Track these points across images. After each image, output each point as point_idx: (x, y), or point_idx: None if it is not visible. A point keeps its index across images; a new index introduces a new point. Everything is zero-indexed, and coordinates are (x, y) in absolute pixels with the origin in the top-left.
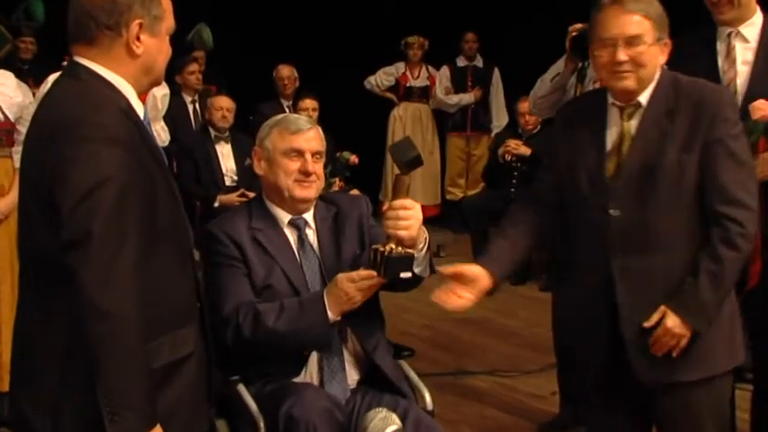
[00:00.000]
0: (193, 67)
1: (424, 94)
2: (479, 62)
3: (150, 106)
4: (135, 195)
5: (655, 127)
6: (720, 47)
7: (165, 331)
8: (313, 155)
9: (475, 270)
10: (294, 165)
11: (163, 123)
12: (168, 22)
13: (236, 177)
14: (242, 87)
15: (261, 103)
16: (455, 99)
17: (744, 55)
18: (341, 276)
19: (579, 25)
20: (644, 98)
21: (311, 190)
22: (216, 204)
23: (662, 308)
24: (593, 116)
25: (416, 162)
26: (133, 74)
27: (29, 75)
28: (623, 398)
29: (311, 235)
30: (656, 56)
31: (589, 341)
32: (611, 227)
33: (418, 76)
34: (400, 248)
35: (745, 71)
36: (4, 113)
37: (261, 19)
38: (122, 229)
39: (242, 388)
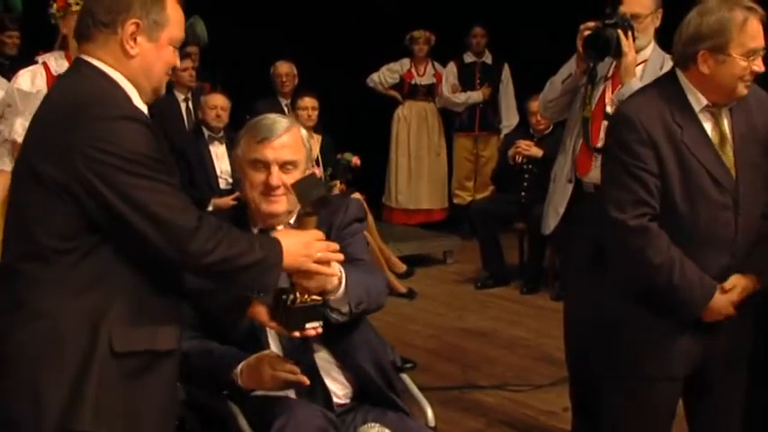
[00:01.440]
0: (186, 63)
1: (430, 92)
2: (488, 58)
3: None
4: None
5: (746, 128)
6: None
7: (147, 320)
8: (282, 165)
9: None
10: (259, 177)
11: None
12: (172, 32)
13: (231, 180)
14: (238, 85)
15: (258, 101)
16: (462, 97)
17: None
18: (266, 359)
19: (592, 23)
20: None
21: (279, 204)
22: (210, 208)
23: None
24: (682, 116)
25: (323, 201)
26: (132, 74)
27: (10, 70)
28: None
29: None
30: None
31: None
32: (739, 225)
33: (424, 73)
34: (306, 297)
35: None
36: None
37: (258, 12)
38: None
39: (232, 405)
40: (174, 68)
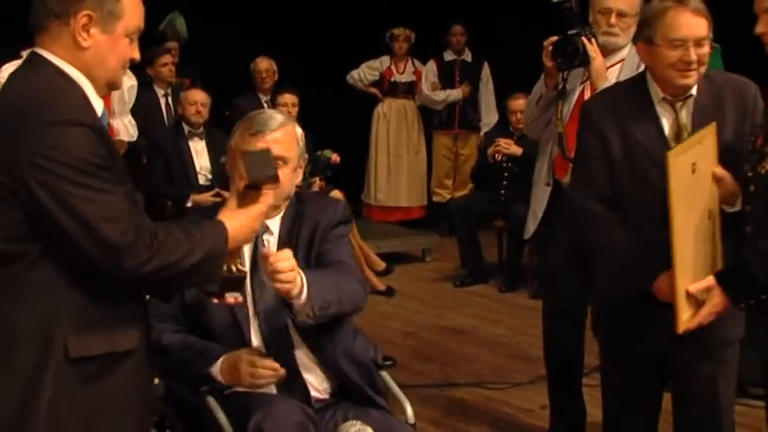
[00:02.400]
0: (166, 58)
1: (410, 89)
2: (468, 56)
3: (117, 99)
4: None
5: (705, 116)
6: None
7: (104, 322)
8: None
9: None
10: None
11: (130, 117)
12: (129, 23)
13: (210, 176)
14: (218, 81)
15: (237, 97)
16: (442, 95)
17: None
18: (244, 356)
19: (554, 38)
20: (693, 91)
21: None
22: (189, 204)
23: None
24: (638, 108)
25: (272, 181)
26: (85, 67)
27: None
28: None
29: (270, 240)
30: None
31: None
32: None
33: (404, 71)
34: (231, 266)
35: None
36: None
37: (238, 8)
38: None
39: (211, 400)
40: (153, 64)
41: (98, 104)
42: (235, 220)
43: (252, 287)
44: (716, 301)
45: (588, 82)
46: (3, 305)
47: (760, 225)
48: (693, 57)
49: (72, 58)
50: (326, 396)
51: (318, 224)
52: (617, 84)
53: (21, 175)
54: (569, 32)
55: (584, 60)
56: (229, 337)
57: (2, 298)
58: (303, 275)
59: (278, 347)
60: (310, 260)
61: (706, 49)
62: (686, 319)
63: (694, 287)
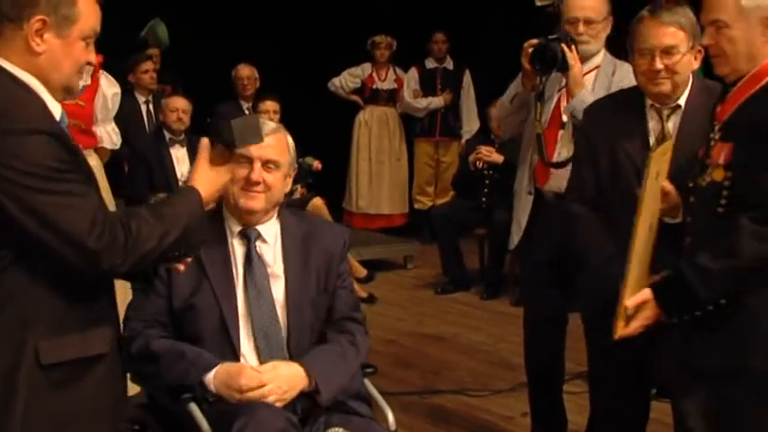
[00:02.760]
0: (147, 65)
1: (392, 97)
2: (450, 64)
3: (100, 106)
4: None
5: (694, 126)
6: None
7: (76, 327)
8: (264, 163)
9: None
10: (242, 172)
11: (113, 125)
12: (84, 27)
13: None
14: (199, 88)
15: (219, 104)
16: (424, 103)
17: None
18: (243, 371)
19: (535, 41)
20: (682, 100)
21: (257, 201)
22: None
23: None
24: (630, 116)
25: (255, 141)
26: (39, 72)
27: None
28: None
29: (264, 249)
30: (689, 62)
31: None
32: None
33: (385, 78)
34: None
35: None
36: None
37: (220, 15)
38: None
39: (193, 406)
40: (135, 71)
41: (56, 109)
42: (204, 178)
43: (245, 290)
44: (648, 314)
45: (565, 89)
46: None
47: (699, 237)
48: (658, 65)
49: (26, 64)
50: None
51: (332, 255)
52: (621, 90)
53: None
54: (550, 37)
55: (563, 67)
56: (218, 342)
57: None
58: (314, 375)
59: (268, 354)
60: (321, 288)
61: (675, 58)
62: (622, 325)
63: (631, 302)
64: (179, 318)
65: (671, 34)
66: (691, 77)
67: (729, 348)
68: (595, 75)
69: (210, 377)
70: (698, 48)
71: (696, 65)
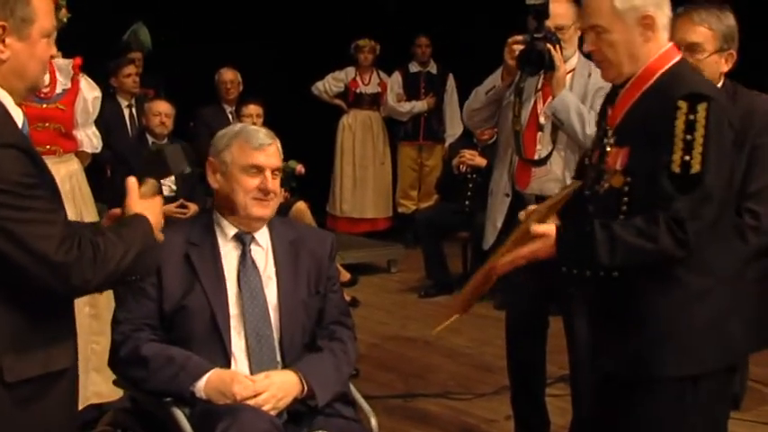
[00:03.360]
0: (130, 69)
1: (375, 100)
2: (433, 68)
3: (80, 110)
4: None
5: None
6: None
7: (39, 342)
8: (273, 171)
9: None
10: (253, 182)
11: (94, 129)
12: (42, 24)
13: (174, 187)
14: (182, 91)
15: (202, 108)
16: (407, 107)
17: None
18: (236, 378)
19: (520, 37)
20: None
21: (269, 209)
22: None
23: None
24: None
25: (185, 168)
26: (3, 78)
27: None
28: None
29: (257, 252)
30: (716, 63)
31: None
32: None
33: (369, 82)
34: None
35: None
36: None
37: (203, 19)
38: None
39: (176, 410)
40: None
41: (17, 115)
42: (148, 209)
43: (239, 291)
44: (537, 246)
45: (542, 91)
46: None
47: None
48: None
49: None
50: (298, 405)
51: (320, 258)
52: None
53: None
54: (535, 36)
55: (550, 67)
56: (208, 342)
57: None
58: (311, 382)
59: (260, 354)
60: (312, 291)
61: (699, 56)
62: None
63: (535, 228)
64: (170, 320)
65: (698, 32)
66: (721, 81)
67: (637, 356)
68: (572, 77)
69: (201, 385)
70: (730, 51)
71: (725, 68)
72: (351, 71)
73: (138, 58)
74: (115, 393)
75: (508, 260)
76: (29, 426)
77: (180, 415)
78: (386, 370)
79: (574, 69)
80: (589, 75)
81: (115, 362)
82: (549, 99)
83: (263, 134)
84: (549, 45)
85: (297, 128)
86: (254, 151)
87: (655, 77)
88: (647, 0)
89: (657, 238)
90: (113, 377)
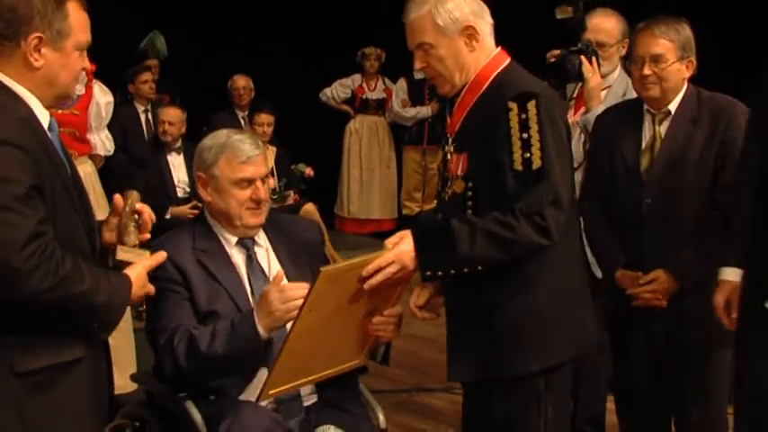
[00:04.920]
0: (146, 75)
1: (381, 106)
2: None
3: (94, 114)
4: (31, 193)
5: (681, 131)
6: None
7: (49, 334)
8: (262, 180)
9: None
10: (245, 193)
11: (107, 132)
12: (77, 38)
13: (188, 189)
14: (196, 97)
15: (215, 113)
16: (412, 112)
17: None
18: (269, 287)
19: (557, 51)
20: (672, 107)
21: (262, 215)
22: (167, 216)
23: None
24: (629, 121)
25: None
26: (35, 85)
27: None
28: None
29: (260, 253)
30: (679, 71)
31: None
32: (644, 212)
33: (375, 89)
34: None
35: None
36: None
37: (217, 27)
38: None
39: (190, 404)
40: (134, 81)
41: (44, 117)
42: (134, 274)
43: (252, 293)
44: (401, 248)
45: (574, 102)
46: None
47: None
48: (646, 71)
49: (21, 78)
50: (309, 400)
51: (314, 245)
52: (628, 99)
53: None
54: (571, 48)
55: (579, 78)
56: None
57: None
58: None
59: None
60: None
61: (662, 65)
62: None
63: (389, 240)
64: (201, 320)
65: (660, 44)
66: (685, 86)
67: (491, 359)
68: (606, 93)
69: (256, 321)
70: (690, 59)
71: (687, 74)
72: (357, 78)
73: (155, 66)
74: (131, 387)
75: (373, 266)
76: (44, 413)
77: (193, 409)
78: (392, 366)
79: (610, 86)
80: (624, 94)
81: (178, 371)
82: (582, 109)
83: (248, 145)
84: (583, 57)
85: (306, 132)
86: (242, 165)
87: (486, 83)
88: (465, 12)
89: (516, 228)
90: (130, 371)
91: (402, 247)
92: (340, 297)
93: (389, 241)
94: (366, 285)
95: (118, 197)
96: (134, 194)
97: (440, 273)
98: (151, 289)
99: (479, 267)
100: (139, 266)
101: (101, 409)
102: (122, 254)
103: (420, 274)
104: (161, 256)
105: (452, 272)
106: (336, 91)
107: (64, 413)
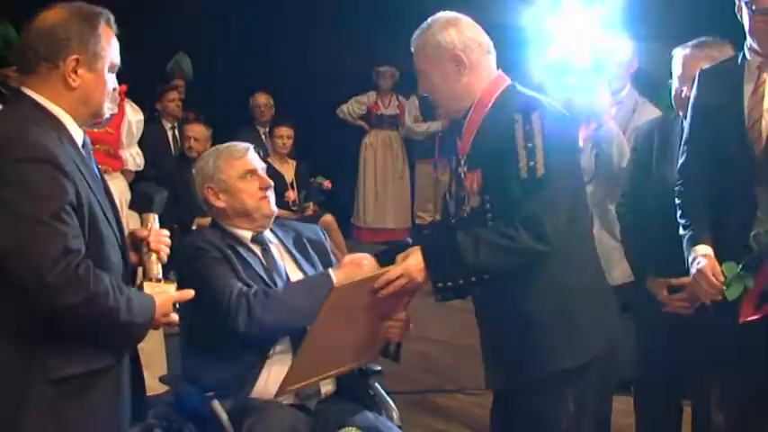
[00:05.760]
0: (173, 94)
1: (394, 122)
2: None
3: (125, 132)
4: (67, 210)
5: None
6: (748, 84)
7: (81, 343)
8: (263, 168)
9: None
10: (253, 185)
11: (137, 148)
12: (110, 59)
13: None
14: (220, 114)
15: (238, 129)
16: (423, 127)
17: None
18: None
19: None
20: None
21: (272, 202)
22: (193, 227)
23: None
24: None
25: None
26: (70, 104)
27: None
28: None
29: (273, 247)
30: None
31: None
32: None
33: (389, 105)
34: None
35: None
36: None
37: (239, 49)
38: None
39: (216, 404)
40: (162, 99)
41: (78, 135)
42: (159, 296)
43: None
44: (410, 261)
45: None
46: None
47: None
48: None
49: (57, 98)
50: (327, 393)
51: (321, 243)
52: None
53: None
54: None
55: None
56: None
57: None
58: None
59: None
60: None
61: None
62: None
63: (401, 256)
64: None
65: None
66: None
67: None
68: (615, 110)
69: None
70: None
71: None
72: (372, 95)
73: (181, 85)
74: (161, 388)
75: (383, 279)
76: (76, 417)
77: (219, 408)
78: (408, 367)
79: (620, 103)
80: (634, 110)
81: (253, 325)
82: (593, 125)
83: (239, 145)
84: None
85: (324, 147)
86: (241, 159)
87: (490, 103)
88: (454, 43)
89: (516, 237)
90: (160, 373)
91: (410, 261)
92: (352, 307)
93: (400, 256)
94: (378, 296)
95: (141, 230)
96: (151, 217)
97: (450, 283)
98: (173, 319)
99: (486, 276)
100: (166, 296)
101: (126, 413)
102: (148, 290)
103: (432, 286)
104: (188, 293)
105: (461, 281)
106: (353, 107)
107: (95, 417)
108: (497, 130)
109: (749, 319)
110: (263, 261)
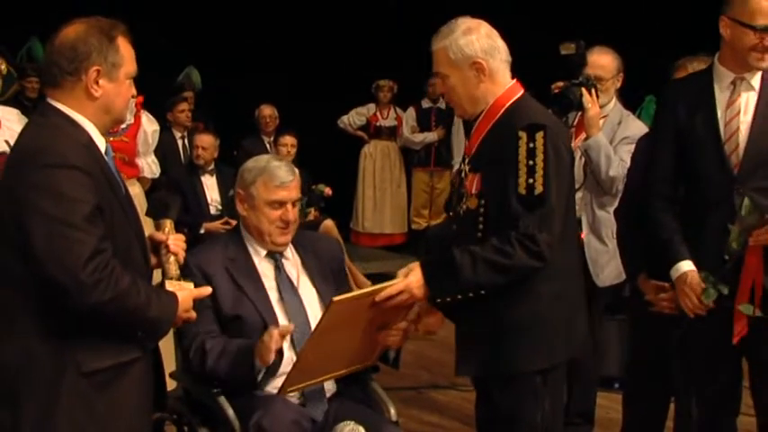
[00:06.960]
0: (183, 105)
1: (393, 132)
2: (442, 104)
3: (142, 141)
4: (95, 213)
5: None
6: (720, 95)
7: (109, 337)
8: (293, 203)
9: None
10: (276, 213)
11: (153, 157)
12: (128, 68)
13: (220, 207)
14: (227, 125)
15: (244, 139)
16: (420, 137)
17: (749, 105)
18: (272, 328)
19: (561, 83)
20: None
21: (289, 236)
22: (201, 231)
23: None
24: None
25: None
26: (94, 113)
27: (33, 112)
28: None
29: (288, 264)
30: None
31: None
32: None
33: (387, 116)
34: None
35: (747, 122)
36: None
37: (245, 62)
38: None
39: (222, 399)
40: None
41: (101, 143)
42: (181, 294)
43: (281, 301)
44: (411, 278)
45: (574, 129)
46: (21, 325)
47: None
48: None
49: (81, 108)
50: (329, 394)
51: (337, 259)
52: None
53: (15, 208)
54: (573, 81)
55: (579, 107)
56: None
57: (21, 312)
58: None
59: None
60: (335, 288)
61: None
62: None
63: (401, 272)
64: (224, 325)
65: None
66: None
67: (496, 356)
68: (603, 122)
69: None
70: None
71: None
72: (372, 107)
73: (190, 97)
74: (171, 384)
75: (384, 295)
76: (108, 406)
77: (225, 403)
78: (403, 365)
79: (607, 116)
80: (619, 123)
81: (195, 373)
82: (582, 136)
83: (284, 171)
84: (584, 89)
85: (325, 156)
86: (277, 188)
87: (501, 111)
88: (475, 50)
89: (512, 255)
90: (170, 369)
91: (411, 278)
92: (352, 317)
93: (401, 272)
94: (379, 308)
95: (159, 235)
96: (167, 222)
97: (448, 299)
98: (193, 315)
99: (482, 291)
100: (187, 293)
101: (150, 403)
102: (170, 288)
103: (430, 300)
104: (206, 290)
105: (459, 297)
106: (353, 118)
107: (125, 408)
108: (502, 141)
109: (741, 336)
110: (273, 277)
